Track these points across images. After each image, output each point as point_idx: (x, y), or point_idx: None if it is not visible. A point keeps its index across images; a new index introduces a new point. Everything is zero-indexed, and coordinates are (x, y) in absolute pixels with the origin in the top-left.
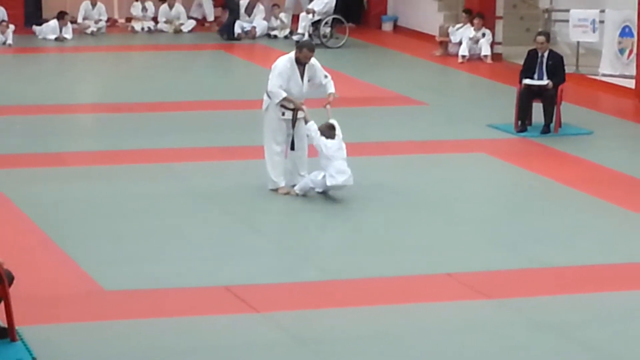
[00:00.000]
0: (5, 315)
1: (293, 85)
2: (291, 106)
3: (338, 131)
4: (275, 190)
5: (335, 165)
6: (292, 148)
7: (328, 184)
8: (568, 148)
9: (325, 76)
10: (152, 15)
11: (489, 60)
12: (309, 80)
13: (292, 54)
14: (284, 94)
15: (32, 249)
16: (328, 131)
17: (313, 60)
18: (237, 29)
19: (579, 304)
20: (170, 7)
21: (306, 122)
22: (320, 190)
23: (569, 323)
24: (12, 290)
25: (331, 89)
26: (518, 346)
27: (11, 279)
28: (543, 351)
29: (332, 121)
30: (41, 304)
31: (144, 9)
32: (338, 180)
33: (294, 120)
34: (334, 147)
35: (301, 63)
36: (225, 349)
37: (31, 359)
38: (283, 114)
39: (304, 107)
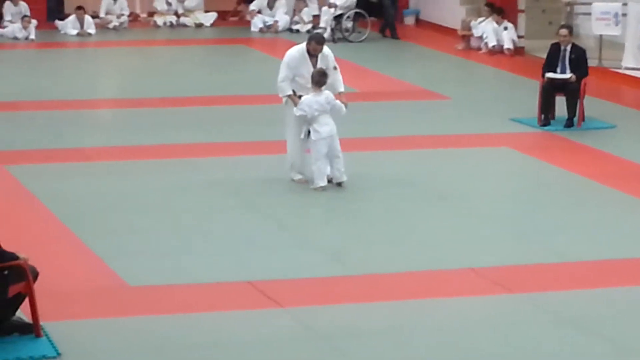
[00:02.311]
0: (30, 311)
1: (304, 74)
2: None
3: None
4: (294, 180)
5: (319, 120)
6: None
7: (313, 138)
8: (591, 142)
9: (335, 67)
10: (174, 9)
11: (511, 53)
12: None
13: (304, 44)
14: (289, 91)
15: (56, 244)
16: (319, 78)
17: (326, 51)
18: (259, 23)
19: (602, 299)
20: None
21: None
22: (326, 171)
23: (593, 317)
24: (37, 286)
25: (340, 87)
26: (541, 340)
27: (36, 275)
28: (566, 345)
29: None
30: (66, 299)
31: (168, 3)
32: (323, 133)
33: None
34: (315, 106)
35: (312, 55)
36: (248, 344)
37: (56, 355)
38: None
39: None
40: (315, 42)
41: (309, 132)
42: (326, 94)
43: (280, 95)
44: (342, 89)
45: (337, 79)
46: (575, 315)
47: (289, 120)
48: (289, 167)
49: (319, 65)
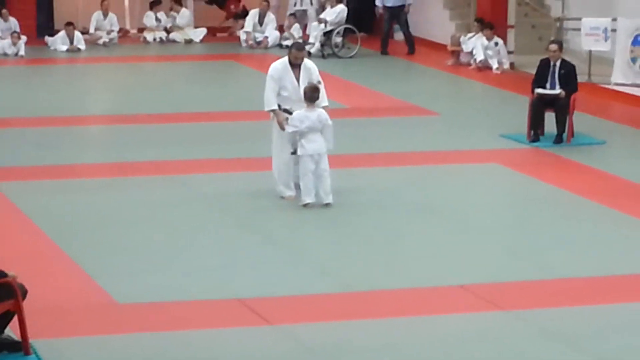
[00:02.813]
0: (19, 329)
1: (288, 86)
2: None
3: (321, 93)
4: (283, 197)
5: (308, 136)
6: (294, 152)
7: (299, 153)
8: (581, 158)
9: (319, 82)
10: (164, 26)
11: (501, 69)
12: (308, 83)
13: (286, 57)
14: (274, 106)
15: (45, 261)
16: (311, 93)
17: (310, 64)
18: (249, 40)
19: (591, 315)
20: (175, 11)
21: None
22: (313, 188)
23: (582, 334)
24: (26, 304)
25: (323, 102)
26: (531, 357)
27: (24, 292)
28: None
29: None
30: (54, 316)
31: (157, 19)
32: (308, 150)
33: None
34: (307, 122)
35: (294, 64)
36: None
37: None
38: (287, 118)
39: (285, 124)
40: (295, 49)
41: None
42: (319, 112)
43: (266, 109)
44: (325, 104)
45: (321, 93)
46: (566, 332)
47: (275, 136)
48: (275, 183)
49: (302, 77)
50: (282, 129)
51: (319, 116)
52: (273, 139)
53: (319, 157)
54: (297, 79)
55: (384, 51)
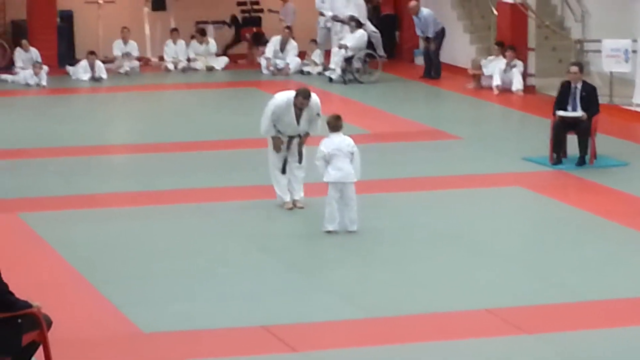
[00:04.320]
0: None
1: (287, 123)
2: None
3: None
4: (282, 205)
5: (334, 162)
6: (284, 172)
7: (324, 179)
8: (604, 180)
9: (318, 114)
10: (185, 54)
11: (521, 92)
12: (308, 119)
13: (293, 94)
14: (271, 133)
15: (69, 290)
16: (335, 122)
17: (314, 102)
18: (269, 66)
19: (616, 338)
20: (200, 43)
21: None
22: (336, 216)
23: (607, 357)
24: (50, 334)
25: (313, 130)
26: None
27: (49, 323)
28: None
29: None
30: (80, 347)
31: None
32: (332, 177)
33: (289, 145)
34: (332, 146)
35: (298, 107)
36: None
37: None
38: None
39: (279, 149)
40: (302, 97)
41: (284, 167)
42: (347, 138)
43: (264, 135)
44: (313, 133)
45: (315, 124)
46: (591, 355)
47: (269, 152)
48: (276, 192)
49: (304, 115)
50: (277, 151)
51: (347, 142)
52: (268, 152)
53: (343, 186)
54: (298, 118)
55: (428, 75)
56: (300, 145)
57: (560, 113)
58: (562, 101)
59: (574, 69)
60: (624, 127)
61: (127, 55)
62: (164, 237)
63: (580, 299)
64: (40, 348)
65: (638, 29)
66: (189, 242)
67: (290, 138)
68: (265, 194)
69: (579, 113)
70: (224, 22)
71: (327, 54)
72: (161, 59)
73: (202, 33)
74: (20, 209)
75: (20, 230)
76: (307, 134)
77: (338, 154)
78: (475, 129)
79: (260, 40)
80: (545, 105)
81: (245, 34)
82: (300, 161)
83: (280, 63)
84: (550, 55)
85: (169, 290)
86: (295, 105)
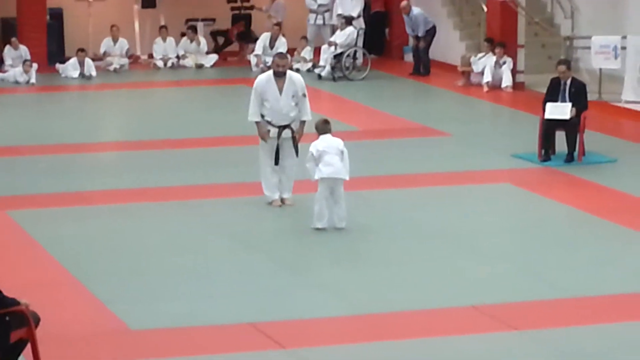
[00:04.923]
0: (32, 357)
1: (270, 97)
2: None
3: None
4: (270, 203)
5: (325, 159)
6: (276, 163)
7: (315, 177)
8: (592, 176)
9: (304, 95)
10: (174, 52)
11: (510, 89)
12: (292, 96)
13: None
14: (256, 118)
15: (57, 288)
16: (322, 126)
17: (296, 77)
18: (259, 63)
19: (605, 334)
20: (191, 40)
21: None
22: (325, 214)
23: (596, 354)
24: (38, 331)
25: (305, 116)
26: None
27: (37, 320)
28: None
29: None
30: (68, 344)
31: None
32: (323, 173)
33: (279, 136)
34: (322, 145)
35: (278, 74)
36: None
37: None
38: (269, 131)
39: (265, 137)
40: (277, 58)
41: (277, 158)
42: (337, 139)
43: (250, 120)
44: (307, 118)
45: (304, 106)
46: (580, 352)
47: (260, 146)
48: (263, 190)
49: (286, 88)
50: (264, 140)
51: (338, 142)
52: (259, 148)
53: (333, 183)
54: (280, 90)
55: (417, 72)
56: (294, 139)
57: (548, 117)
58: (551, 98)
59: (562, 67)
60: (612, 123)
61: (109, 54)
62: (153, 234)
63: (569, 295)
64: (28, 345)
65: (627, 26)
66: (177, 239)
67: (281, 129)
68: (254, 191)
69: (567, 116)
70: (220, 31)
71: (317, 51)
72: (150, 56)
73: (194, 30)
74: (9, 206)
75: (9, 228)
76: (301, 126)
77: (328, 151)
78: (464, 125)
79: (246, 38)
80: (534, 102)
81: (234, 31)
82: (297, 154)
83: (269, 60)
84: (539, 52)
85: (157, 287)
86: (274, 73)
